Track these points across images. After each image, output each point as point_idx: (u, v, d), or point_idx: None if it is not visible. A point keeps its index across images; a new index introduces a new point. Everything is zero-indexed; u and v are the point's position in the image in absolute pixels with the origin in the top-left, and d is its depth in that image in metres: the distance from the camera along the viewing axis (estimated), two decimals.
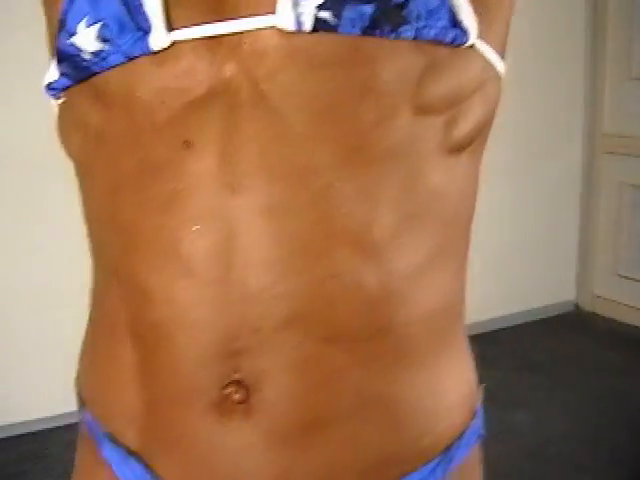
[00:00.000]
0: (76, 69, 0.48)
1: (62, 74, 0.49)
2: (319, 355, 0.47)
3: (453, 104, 0.49)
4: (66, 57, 0.48)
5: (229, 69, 0.46)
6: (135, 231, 0.48)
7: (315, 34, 0.44)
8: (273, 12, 0.44)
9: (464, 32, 0.47)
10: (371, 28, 0.45)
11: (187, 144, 0.46)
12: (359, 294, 0.47)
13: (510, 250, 2.99)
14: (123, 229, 0.49)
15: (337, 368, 0.48)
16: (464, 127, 0.50)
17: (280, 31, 0.45)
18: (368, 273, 0.47)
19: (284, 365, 0.47)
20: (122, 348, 0.51)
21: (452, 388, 0.55)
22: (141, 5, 0.45)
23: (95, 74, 0.48)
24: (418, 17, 0.45)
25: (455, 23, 0.46)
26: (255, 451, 0.48)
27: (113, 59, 0.46)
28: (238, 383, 0.47)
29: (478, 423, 0.59)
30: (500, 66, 0.52)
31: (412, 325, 0.50)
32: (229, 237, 0.45)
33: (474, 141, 0.52)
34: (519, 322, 3.04)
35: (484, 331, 2.76)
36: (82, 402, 0.58)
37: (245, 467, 0.49)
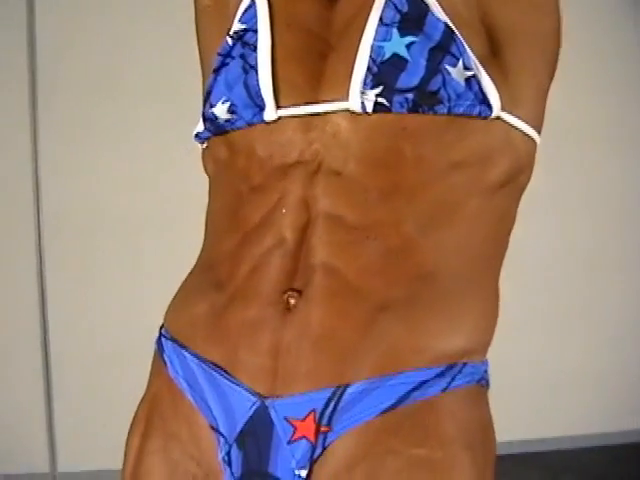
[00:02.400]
0: (214, 127, 0.75)
1: (206, 128, 0.77)
2: (345, 284, 0.65)
3: (482, 159, 0.68)
4: (208, 119, 0.75)
5: (315, 143, 0.69)
6: (250, 220, 0.72)
7: (375, 115, 0.66)
8: (347, 99, 0.66)
9: (489, 107, 0.65)
10: (414, 108, 0.65)
11: (284, 174, 0.70)
12: (397, 244, 0.66)
13: None
14: (241, 219, 0.73)
15: (368, 285, 0.65)
16: (495, 174, 0.69)
17: (351, 113, 0.67)
18: (408, 230, 0.66)
19: (325, 278, 0.66)
20: (205, 270, 0.75)
21: (472, 323, 0.68)
22: (259, 91, 0.70)
23: (227, 132, 0.74)
24: (449, 98, 0.64)
25: (482, 100, 0.65)
26: (298, 343, 0.65)
27: (239, 124, 0.72)
28: (294, 290, 0.66)
29: (483, 369, 0.69)
30: (528, 129, 0.70)
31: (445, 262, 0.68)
32: (306, 222, 0.68)
33: (508, 183, 0.71)
34: None
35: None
36: (163, 323, 0.78)
37: (286, 353, 0.65)
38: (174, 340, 0.74)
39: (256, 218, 0.71)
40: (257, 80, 0.70)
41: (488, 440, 0.69)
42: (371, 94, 0.65)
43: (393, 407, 0.63)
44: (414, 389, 0.64)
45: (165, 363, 0.73)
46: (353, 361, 0.64)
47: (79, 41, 2.17)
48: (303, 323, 0.65)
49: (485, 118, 0.66)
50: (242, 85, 0.71)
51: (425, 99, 0.64)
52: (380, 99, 0.65)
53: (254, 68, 0.70)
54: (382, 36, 0.65)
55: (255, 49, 0.71)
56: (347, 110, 0.67)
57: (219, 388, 0.68)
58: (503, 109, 0.66)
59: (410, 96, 0.64)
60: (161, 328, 0.78)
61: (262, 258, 0.68)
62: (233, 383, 0.67)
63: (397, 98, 0.64)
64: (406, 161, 0.66)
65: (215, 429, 0.68)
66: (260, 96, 0.70)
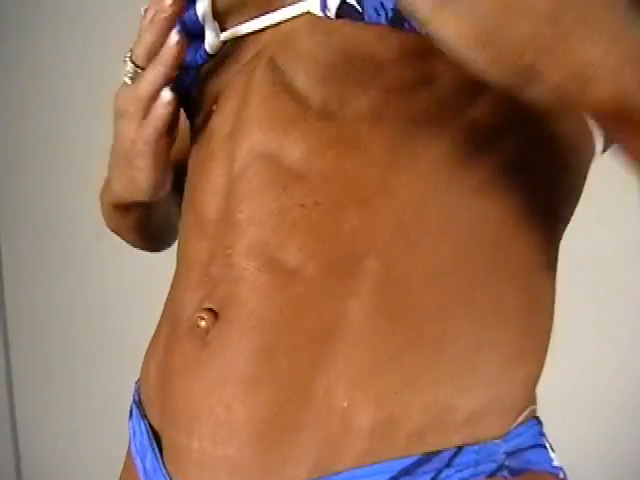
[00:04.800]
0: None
1: None
2: (282, 283, 0.45)
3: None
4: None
5: (261, 53, 0.50)
6: (190, 175, 0.56)
7: (342, 22, 0.46)
8: None
9: None
10: (398, 21, 0.44)
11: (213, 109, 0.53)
12: (337, 223, 0.45)
13: None
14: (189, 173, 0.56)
15: (301, 297, 0.44)
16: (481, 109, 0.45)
17: (311, 18, 0.47)
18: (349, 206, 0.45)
19: (249, 290, 0.45)
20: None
21: (465, 366, 0.43)
22: (197, 19, 0.53)
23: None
24: None
25: None
26: (224, 383, 0.45)
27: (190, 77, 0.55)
28: (208, 310, 0.46)
29: (501, 450, 0.44)
30: None
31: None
32: (232, 174, 0.49)
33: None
34: None
35: None
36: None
37: (213, 402, 0.45)
38: (139, 402, 0.56)
39: (199, 193, 0.54)
40: (195, 8, 0.53)
41: None
42: None
43: None
44: None
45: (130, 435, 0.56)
46: (281, 448, 0.43)
47: None
48: (216, 368, 0.45)
49: None
50: (180, 24, 0.53)
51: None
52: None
53: None
54: None
55: None
56: (308, 14, 0.48)
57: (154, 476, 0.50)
58: None
59: (389, 4, 0.44)
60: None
61: (192, 253, 0.51)
62: (158, 469, 0.49)
63: (370, 2, 0.45)
64: (365, 78, 0.47)
65: None
66: (199, 23, 0.53)
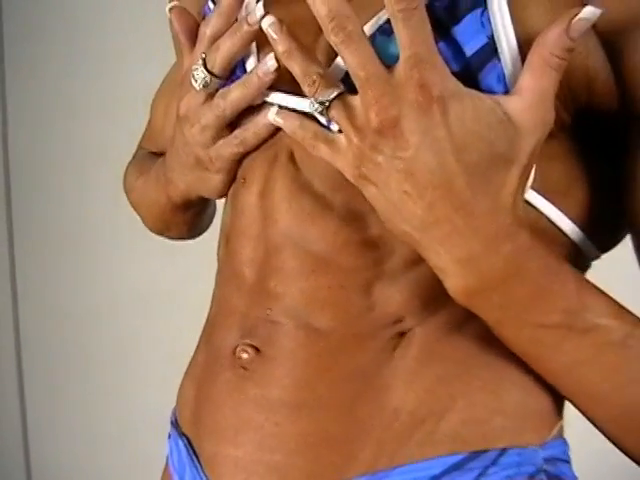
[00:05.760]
0: None
1: None
2: (319, 338, 0.49)
3: None
4: None
5: (282, 141, 0.52)
6: (229, 230, 0.57)
7: None
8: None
9: None
10: None
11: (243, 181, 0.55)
12: (363, 300, 0.49)
13: None
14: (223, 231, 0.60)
15: (337, 349, 0.49)
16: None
17: None
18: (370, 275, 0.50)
19: (288, 339, 0.50)
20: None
21: (506, 382, 0.49)
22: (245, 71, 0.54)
23: None
24: None
25: None
26: (261, 412, 0.50)
27: None
28: (249, 345, 0.51)
29: (541, 456, 0.48)
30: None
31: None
32: (265, 251, 0.52)
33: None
34: None
35: None
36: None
37: (251, 428, 0.50)
38: (176, 423, 0.60)
39: (237, 260, 0.57)
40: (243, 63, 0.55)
41: None
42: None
43: None
44: None
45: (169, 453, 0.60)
46: (331, 456, 0.48)
47: None
48: (261, 394, 0.50)
49: None
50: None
51: None
52: None
53: None
54: None
55: None
56: None
57: None
58: None
59: None
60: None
61: (231, 303, 0.55)
62: (199, 478, 0.53)
63: None
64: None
65: None
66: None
